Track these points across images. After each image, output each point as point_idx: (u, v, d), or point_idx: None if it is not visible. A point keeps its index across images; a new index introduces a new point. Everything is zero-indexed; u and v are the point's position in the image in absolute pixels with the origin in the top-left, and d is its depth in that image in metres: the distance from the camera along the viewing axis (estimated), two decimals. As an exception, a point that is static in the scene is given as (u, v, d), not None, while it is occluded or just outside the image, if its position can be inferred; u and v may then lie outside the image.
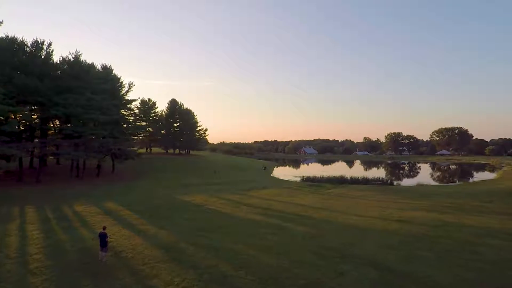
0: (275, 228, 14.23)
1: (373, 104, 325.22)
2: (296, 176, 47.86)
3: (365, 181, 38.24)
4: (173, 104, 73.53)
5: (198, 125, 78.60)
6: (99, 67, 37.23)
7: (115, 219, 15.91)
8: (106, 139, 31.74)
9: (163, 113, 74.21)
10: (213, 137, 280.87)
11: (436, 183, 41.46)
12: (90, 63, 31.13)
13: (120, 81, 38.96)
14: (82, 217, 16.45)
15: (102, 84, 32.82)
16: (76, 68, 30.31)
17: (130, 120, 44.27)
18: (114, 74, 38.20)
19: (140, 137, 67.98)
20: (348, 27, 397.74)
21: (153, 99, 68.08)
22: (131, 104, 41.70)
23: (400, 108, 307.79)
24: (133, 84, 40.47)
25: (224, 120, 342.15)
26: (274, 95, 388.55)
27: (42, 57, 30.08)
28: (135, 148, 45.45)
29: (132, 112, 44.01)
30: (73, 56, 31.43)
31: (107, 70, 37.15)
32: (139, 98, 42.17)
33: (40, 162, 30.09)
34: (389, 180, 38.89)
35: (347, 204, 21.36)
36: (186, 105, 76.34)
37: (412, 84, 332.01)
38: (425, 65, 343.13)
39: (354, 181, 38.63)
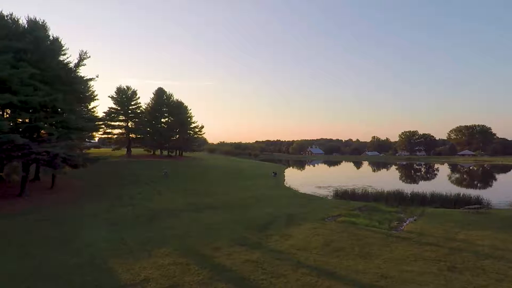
0: None
1: (376, 102, 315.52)
2: (319, 187, 35.09)
3: (439, 200, 24.57)
4: (160, 94, 59.77)
5: (192, 121, 65.23)
6: (23, 21, 23.27)
7: None
8: (11, 135, 18.00)
9: (148, 106, 60.75)
10: (213, 137, 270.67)
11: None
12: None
13: (62, 46, 24.88)
14: None
15: (11, 41, 19.19)
16: None
17: (84, 110, 30.57)
18: (52, 36, 24.30)
19: (115, 136, 54.69)
20: (348, 27, 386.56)
21: (133, 87, 54.47)
22: (82, 84, 27.37)
23: (402, 106, 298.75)
24: (87, 55, 26.40)
25: (225, 120, 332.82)
26: (274, 94, 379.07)
27: None
28: (91, 150, 32.08)
29: (88, 94, 30.31)
30: None
31: (35, 25, 22.66)
32: (97, 76, 28.21)
33: None
34: (474, 199, 25.15)
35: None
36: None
37: (413, 83, 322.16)
38: (426, 63, 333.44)
39: (418, 198, 24.98)
